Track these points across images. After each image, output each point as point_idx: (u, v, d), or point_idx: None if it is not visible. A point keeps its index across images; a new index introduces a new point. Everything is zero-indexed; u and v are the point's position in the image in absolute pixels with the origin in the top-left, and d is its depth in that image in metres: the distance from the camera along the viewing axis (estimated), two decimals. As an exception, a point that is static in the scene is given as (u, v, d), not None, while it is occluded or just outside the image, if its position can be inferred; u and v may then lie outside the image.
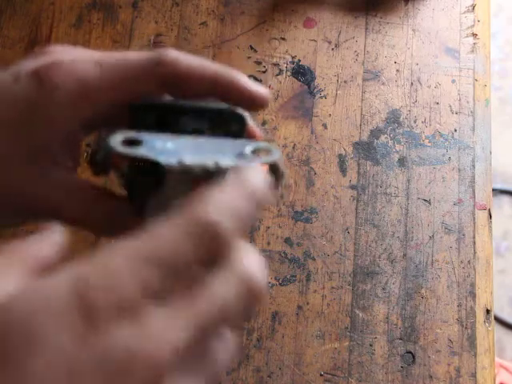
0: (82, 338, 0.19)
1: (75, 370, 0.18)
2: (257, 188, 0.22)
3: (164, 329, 0.19)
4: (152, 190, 0.26)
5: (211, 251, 0.20)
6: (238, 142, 0.27)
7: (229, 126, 0.29)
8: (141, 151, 0.25)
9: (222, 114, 0.29)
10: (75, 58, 0.27)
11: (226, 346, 0.23)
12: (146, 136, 0.26)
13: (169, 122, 0.28)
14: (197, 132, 0.28)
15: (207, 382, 0.22)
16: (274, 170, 0.27)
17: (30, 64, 0.28)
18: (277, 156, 0.27)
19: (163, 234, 0.20)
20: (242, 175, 0.22)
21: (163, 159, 0.24)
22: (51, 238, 0.24)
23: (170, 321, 0.20)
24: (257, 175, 0.22)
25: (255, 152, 0.27)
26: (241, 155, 0.26)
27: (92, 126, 0.29)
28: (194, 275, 0.20)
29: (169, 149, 0.25)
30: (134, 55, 0.28)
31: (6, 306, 0.19)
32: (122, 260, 0.20)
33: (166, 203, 0.25)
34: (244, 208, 0.21)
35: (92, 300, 0.19)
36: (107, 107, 0.28)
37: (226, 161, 0.25)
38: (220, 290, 0.21)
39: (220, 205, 0.20)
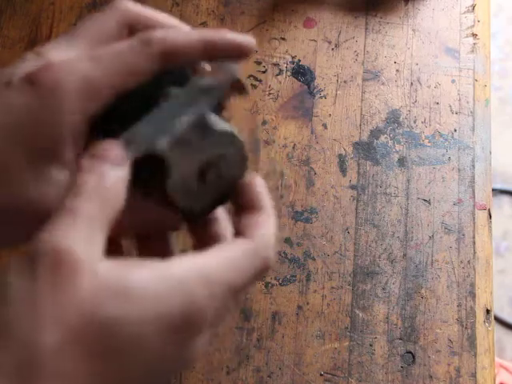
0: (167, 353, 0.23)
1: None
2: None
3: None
4: (159, 174, 0.27)
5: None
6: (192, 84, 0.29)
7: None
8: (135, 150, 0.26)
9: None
10: (70, 58, 0.27)
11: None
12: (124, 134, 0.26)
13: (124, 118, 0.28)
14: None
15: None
16: (237, 86, 0.29)
17: (21, 68, 0.28)
18: (232, 70, 0.30)
19: (240, 265, 0.25)
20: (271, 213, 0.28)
21: (153, 149, 0.26)
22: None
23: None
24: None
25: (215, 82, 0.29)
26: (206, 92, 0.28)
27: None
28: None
29: (143, 135, 0.26)
30: (125, 45, 0.28)
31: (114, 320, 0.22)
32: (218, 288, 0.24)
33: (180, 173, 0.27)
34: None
35: (196, 319, 0.23)
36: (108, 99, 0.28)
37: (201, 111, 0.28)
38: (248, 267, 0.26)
39: (271, 243, 0.27)
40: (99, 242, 0.23)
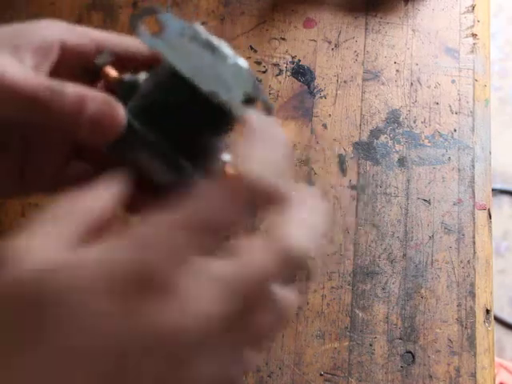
0: (111, 316, 0.19)
1: (106, 346, 0.19)
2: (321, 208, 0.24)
3: (197, 299, 0.19)
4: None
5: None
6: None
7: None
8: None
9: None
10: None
11: (273, 316, 0.23)
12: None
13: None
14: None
15: (249, 356, 0.22)
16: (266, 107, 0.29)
17: None
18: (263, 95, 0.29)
19: (206, 199, 0.21)
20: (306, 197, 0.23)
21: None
22: (108, 191, 0.25)
23: (205, 290, 0.20)
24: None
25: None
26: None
27: None
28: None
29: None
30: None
31: (42, 279, 0.19)
32: (152, 229, 0.20)
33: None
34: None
35: (123, 277, 0.19)
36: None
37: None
38: (259, 256, 0.21)
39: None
40: (60, 235, 0.22)
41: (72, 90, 0.26)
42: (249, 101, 0.27)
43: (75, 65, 0.30)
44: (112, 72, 0.30)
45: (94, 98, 0.26)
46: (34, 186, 0.31)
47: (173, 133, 0.28)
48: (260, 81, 0.60)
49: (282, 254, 0.21)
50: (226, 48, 0.28)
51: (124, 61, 0.30)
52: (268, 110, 0.27)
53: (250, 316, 0.22)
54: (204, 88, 0.26)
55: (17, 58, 0.27)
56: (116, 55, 0.30)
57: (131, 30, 0.27)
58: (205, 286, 0.20)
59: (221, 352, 0.21)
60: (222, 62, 0.27)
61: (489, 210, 0.57)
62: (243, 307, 0.21)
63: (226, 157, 0.29)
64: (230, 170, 0.29)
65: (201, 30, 0.28)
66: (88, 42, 0.30)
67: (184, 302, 0.19)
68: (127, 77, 0.29)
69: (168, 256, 0.20)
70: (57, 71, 0.29)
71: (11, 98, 0.26)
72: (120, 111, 0.26)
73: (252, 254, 0.21)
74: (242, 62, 0.28)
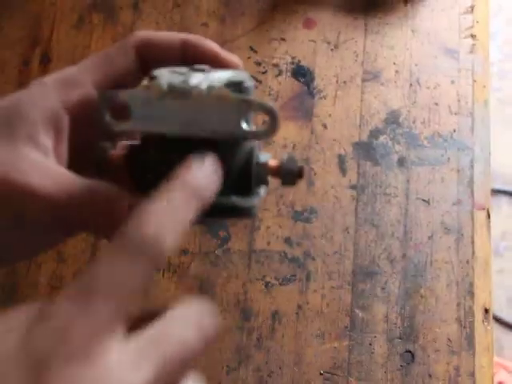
0: None
1: None
2: (200, 187, 0.24)
3: (119, 371, 0.19)
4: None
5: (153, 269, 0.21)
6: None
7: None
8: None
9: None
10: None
11: None
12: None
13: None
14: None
15: None
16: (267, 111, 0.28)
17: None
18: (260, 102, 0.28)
19: (106, 264, 0.21)
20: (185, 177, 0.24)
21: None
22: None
23: (128, 363, 0.20)
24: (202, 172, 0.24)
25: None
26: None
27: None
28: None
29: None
30: (114, 49, 0.29)
31: None
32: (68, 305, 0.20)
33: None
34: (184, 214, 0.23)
35: (40, 351, 0.19)
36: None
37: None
38: (179, 330, 0.21)
39: (160, 220, 0.22)
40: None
41: (103, 189, 0.26)
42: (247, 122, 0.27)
43: (86, 121, 0.29)
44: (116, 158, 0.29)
45: (99, 196, 0.26)
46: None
47: None
48: (260, 82, 0.60)
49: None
50: (195, 84, 0.26)
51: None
52: (270, 114, 0.26)
53: None
54: (203, 134, 0.26)
55: (33, 144, 0.27)
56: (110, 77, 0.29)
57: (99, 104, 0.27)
58: None
59: None
60: (200, 101, 0.26)
61: (488, 210, 0.57)
62: None
63: None
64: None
65: (161, 82, 0.26)
66: (88, 91, 0.29)
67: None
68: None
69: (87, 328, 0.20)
70: (73, 137, 0.29)
71: (44, 209, 0.26)
72: (121, 203, 0.26)
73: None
74: (220, 90, 0.26)
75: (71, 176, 0.27)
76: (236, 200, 0.28)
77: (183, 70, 0.27)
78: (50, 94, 0.28)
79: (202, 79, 0.26)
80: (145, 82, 0.27)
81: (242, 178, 0.28)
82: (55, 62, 0.61)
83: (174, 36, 0.29)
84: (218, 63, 0.30)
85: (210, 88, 0.26)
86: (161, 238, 0.21)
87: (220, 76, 0.27)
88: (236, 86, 0.27)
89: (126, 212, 0.25)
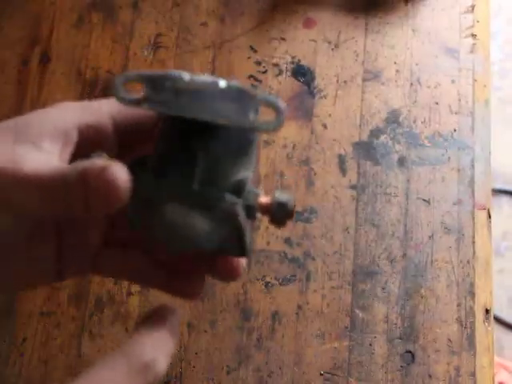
0: None
1: None
2: None
3: None
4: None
5: None
6: None
7: None
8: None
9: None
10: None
11: None
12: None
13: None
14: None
15: None
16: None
17: None
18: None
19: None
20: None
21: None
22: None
23: None
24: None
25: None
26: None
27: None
28: None
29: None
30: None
31: None
32: None
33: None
34: None
35: None
36: None
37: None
38: None
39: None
40: None
41: (77, 171, 0.25)
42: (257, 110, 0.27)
43: (95, 145, 0.29)
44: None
45: (93, 169, 0.24)
46: (71, 269, 0.31)
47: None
48: (260, 81, 0.60)
49: None
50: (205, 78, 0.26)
51: (133, 133, 0.30)
52: (277, 110, 0.27)
53: None
54: (216, 118, 0.26)
55: (36, 148, 0.27)
56: (125, 127, 0.30)
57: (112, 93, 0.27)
58: None
59: None
60: (214, 89, 0.26)
61: (488, 210, 0.57)
62: None
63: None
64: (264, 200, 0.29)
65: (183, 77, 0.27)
66: (104, 120, 0.29)
67: None
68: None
69: None
70: (79, 154, 0.29)
71: (30, 193, 0.26)
72: (120, 174, 0.24)
73: None
74: (231, 83, 0.27)
75: (63, 164, 0.27)
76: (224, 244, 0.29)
77: None
78: (66, 112, 0.29)
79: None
80: None
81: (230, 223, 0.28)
82: (55, 62, 0.61)
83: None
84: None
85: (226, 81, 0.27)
86: None
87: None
88: None
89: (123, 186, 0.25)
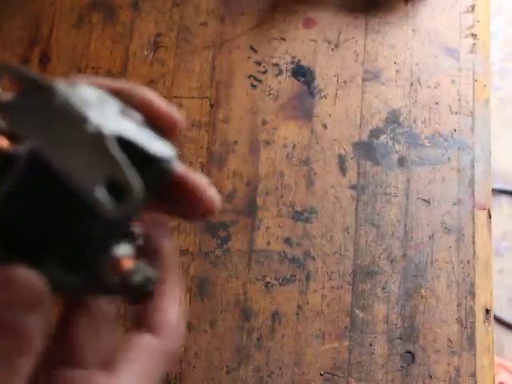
0: None
1: None
2: None
3: None
4: None
5: None
6: None
7: None
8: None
9: None
10: None
11: None
12: None
13: None
14: None
15: None
16: None
17: None
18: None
19: (152, 374, 0.24)
20: None
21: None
22: None
23: None
24: None
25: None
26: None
27: None
28: None
29: None
30: None
31: None
32: None
33: None
34: None
35: None
36: None
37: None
38: None
39: (179, 332, 0.26)
40: None
41: None
42: (115, 184, 0.20)
43: None
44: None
45: None
46: None
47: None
48: (260, 81, 0.60)
49: None
50: (81, 109, 0.21)
51: None
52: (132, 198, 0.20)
53: None
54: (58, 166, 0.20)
55: None
56: None
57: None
58: None
59: None
60: (78, 128, 0.21)
61: (488, 210, 0.57)
62: None
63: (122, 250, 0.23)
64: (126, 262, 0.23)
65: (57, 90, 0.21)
66: None
67: None
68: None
69: None
70: None
71: None
72: None
73: None
74: (110, 128, 0.21)
75: None
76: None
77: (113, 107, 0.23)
78: None
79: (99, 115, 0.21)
80: None
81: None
82: (54, 62, 0.61)
83: (108, 83, 0.26)
84: (153, 115, 0.26)
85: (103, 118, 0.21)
86: None
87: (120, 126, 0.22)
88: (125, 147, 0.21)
89: None
